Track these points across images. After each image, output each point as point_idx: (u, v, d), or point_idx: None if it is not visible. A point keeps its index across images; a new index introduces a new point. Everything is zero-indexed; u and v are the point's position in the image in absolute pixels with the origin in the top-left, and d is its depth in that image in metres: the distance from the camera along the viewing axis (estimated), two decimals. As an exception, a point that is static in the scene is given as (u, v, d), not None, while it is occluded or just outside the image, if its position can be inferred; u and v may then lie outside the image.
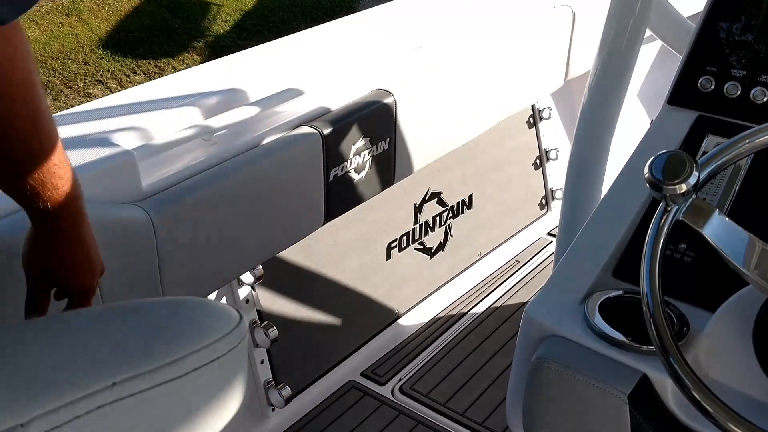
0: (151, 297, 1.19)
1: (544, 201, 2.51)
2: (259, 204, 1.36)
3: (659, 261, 0.74)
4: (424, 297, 2.11)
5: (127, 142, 1.22)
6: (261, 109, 1.41)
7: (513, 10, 2.02)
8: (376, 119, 1.56)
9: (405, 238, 2.04)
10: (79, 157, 1.14)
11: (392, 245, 2.00)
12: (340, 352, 1.90)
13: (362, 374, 1.90)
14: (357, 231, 1.89)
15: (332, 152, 1.47)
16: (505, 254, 2.34)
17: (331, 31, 1.72)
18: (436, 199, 2.11)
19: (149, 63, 6.83)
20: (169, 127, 1.28)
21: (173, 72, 7.29)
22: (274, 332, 1.63)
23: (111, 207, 1.13)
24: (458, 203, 2.19)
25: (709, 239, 0.72)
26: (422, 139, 1.72)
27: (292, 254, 1.71)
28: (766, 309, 0.81)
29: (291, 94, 1.47)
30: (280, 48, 1.62)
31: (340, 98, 1.55)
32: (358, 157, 1.54)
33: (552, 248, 2.40)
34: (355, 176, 1.56)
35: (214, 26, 7.81)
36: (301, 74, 1.52)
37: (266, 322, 1.66)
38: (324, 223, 1.54)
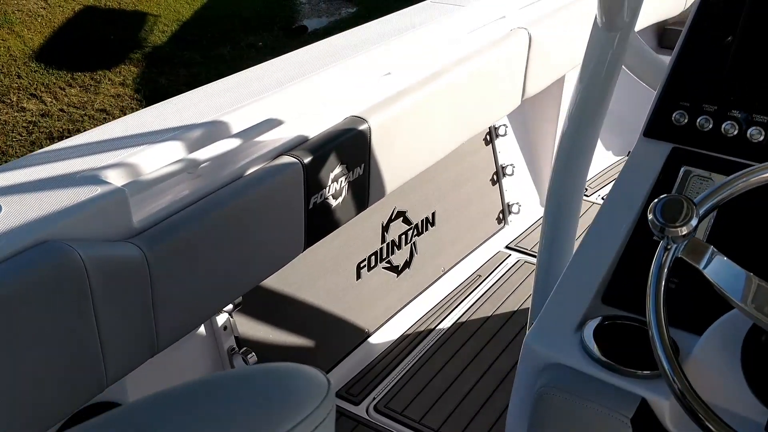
0: (144, 332, 1.19)
1: (501, 215, 2.59)
2: (245, 234, 1.37)
3: (663, 296, 0.80)
4: (392, 314, 2.15)
5: (116, 178, 1.21)
6: (242, 140, 1.43)
7: (472, 34, 2.09)
8: (351, 146, 1.59)
9: (373, 257, 2.07)
10: (73, 196, 1.13)
11: (361, 265, 2.03)
12: None
13: (337, 394, 1.93)
14: (328, 253, 1.91)
15: (312, 180, 1.49)
16: (467, 269, 2.40)
17: (302, 59, 1.74)
18: (401, 218, 2.15)
19: (85, 75, 6.65)
20: (155, 161, 1.28)
21: (110, 84, 7.09)
22: (253, 358, 1.64)
23: (106, 246, 1.13)
24: (422, 221, 2.24)
25: (708, 277, 0.78)
26: (393, 162, 1.76)
27: (267, 280, 1.72)
28: (753, 332, 0.88)
29: (270, 124, 1.49)
30: (253, 77, 1.63)
31: (317, 126, 1.58)
32: (335, 184, 1.57)
33: (511, 261, 2.47)
34: (333, 202, 1.58)
35: (151, 37, 7.67)
36: (277, 103, 1.54)
37: (244, 348, 1.67)
38: (304, 250, 1.56)
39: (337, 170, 1.56)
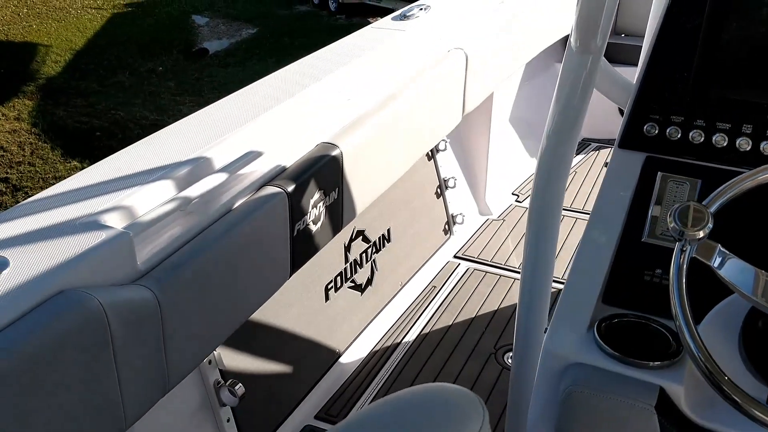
0: (158, 371, 1.18)
1: (447, 226, 2.68)
2: (239, 265, 1.38)
3: (686, 294, 0.89)
4: (359, 333, 2.19)
5: (117, 221, 1.20)
6: (227, 174, 1.43)
7: (415, 57, 2.17)
8: (327, 172, 1.63)
9: (339, 278, 2.11)
10: (78, 242, 1.11)
11: (329, 286, 2.06)
12: (293, 398, 1.92)
13: (316, 417, 1.95)
14: (298, 278, 1.93)
15: (296, 208, 1.52)
16: (422, 281, 2.48)
17: (265, 88, 1.76)
18: (361, 237, 2.20)
19: (-25, 111, 6.30)
20: (149, 202, 1.27)
21: (4, 120, 6.73)
22: (241, 389, 1.64)
23: (121, 290, 1.11)
24: (380, 238, 2.29)
25: (719, 275, 0.88)
26: (361, 185, 1.80)
27: None
28: (751, 316, 0.99)
29: (250, 156, 1.50)
30: (223, 109, 1.64)
31: (293, 155, 1.61)
32: (315, 209, 1.60)
33: (461, 271, 2.57)
34: (314, 227, 1.61)
35: (44, 68, 7.35)
36: (252, 135, 1.55)
37: (230, 380, 1.66)
38: (289, 277, 1.58)
39: (316, 196, 1.59)
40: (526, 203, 3.03)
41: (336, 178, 1.67)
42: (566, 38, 3.40)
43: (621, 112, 3.05)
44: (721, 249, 0.91)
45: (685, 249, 0.90)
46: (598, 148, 3.52)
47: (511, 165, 3.16)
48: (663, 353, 1.01)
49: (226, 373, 1.67)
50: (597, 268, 1.14)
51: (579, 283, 1.13)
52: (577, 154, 3.50)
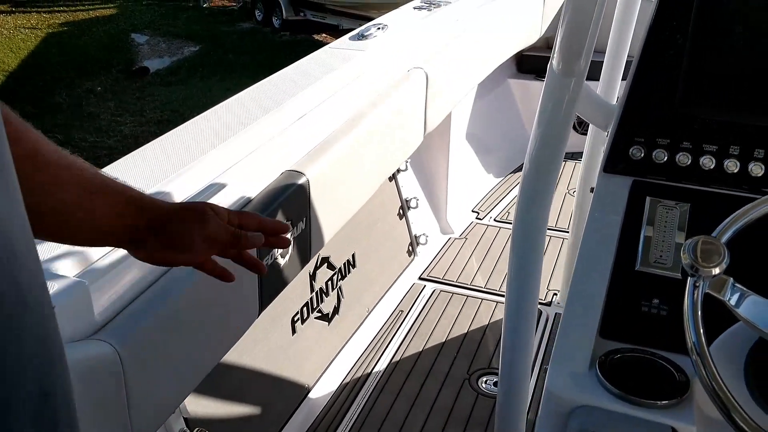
0: (120, 429, 1.07)
1: (410, 248, 2.62)
2: (205, 310, 1.28)
3: (702, 329, 0.84)
4: (327, 365, 2.10)
5: (69, 269, 1.09)
6: None
7: (376, 77, 2.10)
8: (294, 201, 1.54)
9: (305, 308, 2.01)
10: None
11: (295, 319, 1.97)
12: None
13: None
14: (264, 313, 1.83)
15: None
16: (389, 306, 2.40)
17: (224, 114, 1.67)
18: (326, 264, 2.11)
19: None
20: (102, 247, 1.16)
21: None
22: None
23: (79, 347, 1.00)
24: (345, 264, 2.21)
25: (736, 313, 0.83)
26: (329, 212, 1.72)
27: None
28: (757, 347, 0.95)
29: (213, 188, 1.41)
30: (180, 138, 1.54)
31: (258, 184, 1.51)
32: None
33: (427, 292, 2.51)
34: (282, 261, 1.52)
35: (-26, 91, 7.02)
36: (212, 166, 1.46)
37: (197, 428, 1.55)
38: (258, 315, 1.48)
39: None
40: (486, 220, 3.00)
41: (303, 207, 1.59)
42: (517, 56, 3.43)
43: (576, 128, 3.05)
44: (734, 283, 0.86)
45: (698, 285, 0.86)
46: None
47: (470, 183, 3.13)
48: (670, 390, 0.97)
49: (191, 421, 1.56)
50: (592, 301, 1.09)
51: (576, 318, 1.08)
52: None
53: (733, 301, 0.84)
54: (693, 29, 1.17)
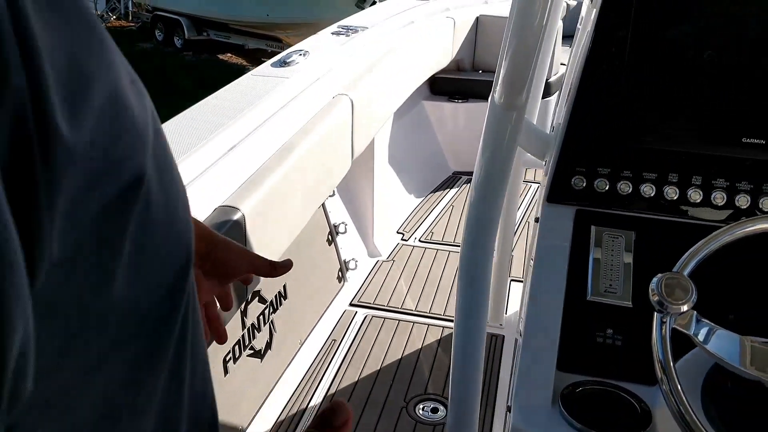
0: None
1: (340, 273, 2.58)
2: None
3: (673, 365, 0.85)
4: (261, 403, 2.03)
5: None
6: None
7: (303, 105, 2.06)
8: (230, 237, 1.48)
9: (237, 347, 1.94)
10: None
11: (227, 359, 1.89)
12: None
13: None
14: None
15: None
16: (322, 335, 2.35)
17: None
18: (257, 298, 2.04)
19: None
20: None
21: None
22: None
23: None
24: (276, 296, 2.15)
25: (703, 348, 0.85)
26: (264, 246, 1.67)
27: None
28: (711, 375, 0.97)
29: None
30: None
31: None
32: None
33: (359, 319, 2.47)
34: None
35: None
36: None
37: None
38: None
39: None
40: (412, 241, 3.00)
41: (239, 243, 1.52)
42: (430, 78, 3.49)
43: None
44: (699, 317, 0.88)
45: (665, 320, 0.87)
46: (468, 181, 3.58)
47: (394, 205, 3.13)
48: (633, 423, 0.98)
49: None
50: (548, 334, 1.09)
51: (534, 352, 1.08)
52: (449, 188, 3.54)
53: (701, 337, 0.86)
54: (629, 60, 1.20)
